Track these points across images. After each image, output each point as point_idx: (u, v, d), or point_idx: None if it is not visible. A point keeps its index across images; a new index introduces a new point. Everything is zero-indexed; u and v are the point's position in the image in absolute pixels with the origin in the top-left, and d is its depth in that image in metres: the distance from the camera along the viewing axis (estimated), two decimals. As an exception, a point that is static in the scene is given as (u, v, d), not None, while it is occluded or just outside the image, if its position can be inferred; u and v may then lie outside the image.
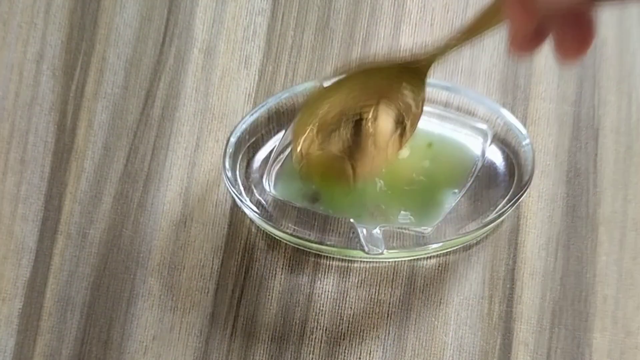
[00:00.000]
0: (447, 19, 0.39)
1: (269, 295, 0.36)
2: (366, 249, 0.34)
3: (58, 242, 0.36)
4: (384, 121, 0.32)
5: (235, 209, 0.37)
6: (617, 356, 0.36)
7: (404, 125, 0.32)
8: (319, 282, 0.36)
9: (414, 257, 0.36)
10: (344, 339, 0.36)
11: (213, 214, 0.37)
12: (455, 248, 0.36)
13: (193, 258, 0.36)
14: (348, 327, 0.36)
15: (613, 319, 0.36)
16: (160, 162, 0.37)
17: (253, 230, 0.36)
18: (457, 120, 0.36)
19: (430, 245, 0.34)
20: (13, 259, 0.36)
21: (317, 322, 0.36)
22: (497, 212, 0.34)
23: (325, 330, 0.36)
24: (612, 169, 0.37)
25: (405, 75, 0.31)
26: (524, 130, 0.35)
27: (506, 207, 0.34)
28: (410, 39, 0.38)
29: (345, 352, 0.36)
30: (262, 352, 0.35)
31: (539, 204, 0.37)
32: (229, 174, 0.34)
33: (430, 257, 0.36)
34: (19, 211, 0.37)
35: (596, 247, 0.37)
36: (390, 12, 0.39)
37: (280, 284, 0.36)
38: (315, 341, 0.36)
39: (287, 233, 0.35)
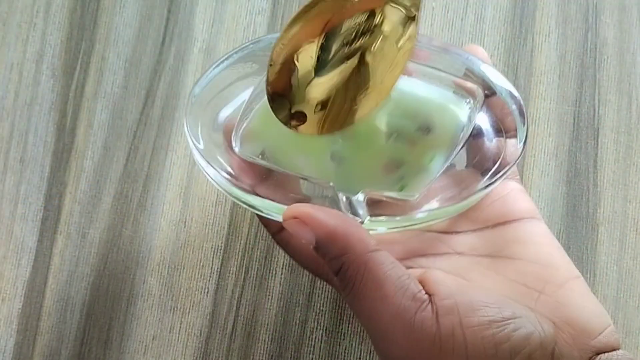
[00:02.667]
0: (447, 18, 0.39)
1: (269, 295, 0.36)
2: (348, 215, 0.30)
3: (58, 242, 0.36)
4: (389, 30, 0.29)
5: (235, 209, 0.37)
6: (617, 356, 0.36)
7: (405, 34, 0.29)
8: (319, 282, 0.36)
9: (400, 228, 0.32)
10: (344, 339, 0.36)
11: (213, 214, 0.37)
12: (445, 219, 0.32)
13: (193, 258, 0.36)
14: (348, 327, 0.36)
15: (613, 319, 0.36)
16: (160, 162, 0.37)
17: (253, 230, 0.36)
18: (443, 80, 0.32)
19: (416, 214, 0.31)
20: (13, 258, 0.36)
21: (317, 322, 0.36)
22: (486, 182, 0.31)
23: (325, 330, 0.36)
24: (612, 169, 0.37)
25: None
26: (515, 93, 0.32)
27: (496, 176, 0.31)
28: (410, 39, 0.38)
29: (345, 352, 0.36)
30: (262, 352, 0.35)
31: (539, 204, 0.37)
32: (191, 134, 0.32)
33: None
34: (19, 211, 0.37)
35: (596, 247, 0.37)
36: (390, 12, 0.39)
37: (280, 284, 0.36)
38: (315, 341, 0.36)
39: (252, 193, 0.31)
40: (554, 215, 0.37)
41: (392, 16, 0.30)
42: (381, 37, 0.30)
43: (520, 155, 0.31)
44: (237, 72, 0.33)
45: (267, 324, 0.36)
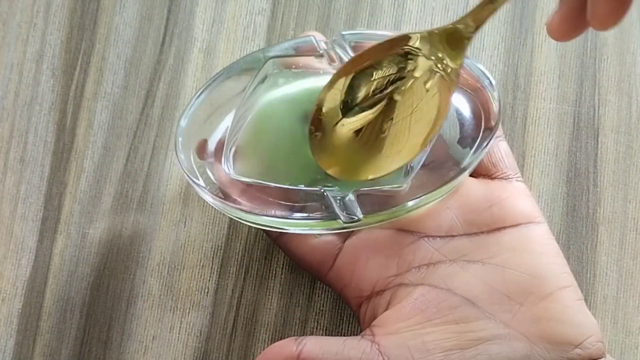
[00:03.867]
0: (447, 18, 0.39)
1: (269, 295, 0.36)
2: (342, 218, 0.31)
3: (58, 242, 0.36)
4: (419, 90, 0.31)
5: (235, 209, 0.37)
6: (617, 356, 0.36)
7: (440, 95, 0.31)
8: (319, 282, 0.36)
9: (395, 218, 0.32)
10: (344, 339, 0.36)
11: (213, 214, 0.37)
12: (436, 200, 0.32)
13: (193, 258, 0.36)
14: (348, 327, 0.36)
15: (613, 319, 0.36)
16: (160, 162, 0.37)
17: (253, 230, 0.36)
18: None
19: (408, 203, 0.32)
20: (13, 258, 0.36)
21: (317, 322, 0.36)
22: (471, 156, 0.32)
23: (325, 330, 0.36)
24: (612, 169, 0.37)
25: (440, 44, 0.30)
26: (486, 72, 0.33)
27: (480, 148, 0.32)
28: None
29: (345, 352, 0.36)
30: (262, 352, 0.35)
31: (539, 204, 0.37)
32: (182, 157, 0.33)
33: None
34: (19, 211, 0.37)
35: (596, 247, 0.37)
36: (390, 12, 0.39)
37: (280, 284, 0.36)
38: (315, 341, 0.36)
39: (249, 212, 0.32)
40: (554, 215, 0.37)
41: (424, 66, 0.31)
42: (412, 81, 0.31)
43: (498, 122, 0.32)
44: (220, 96, 0.34)
45: (267, 324, 0.36)
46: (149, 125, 0.37)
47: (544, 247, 0.31)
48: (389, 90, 0.31)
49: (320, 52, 0.33)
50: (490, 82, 0.33)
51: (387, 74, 0.31)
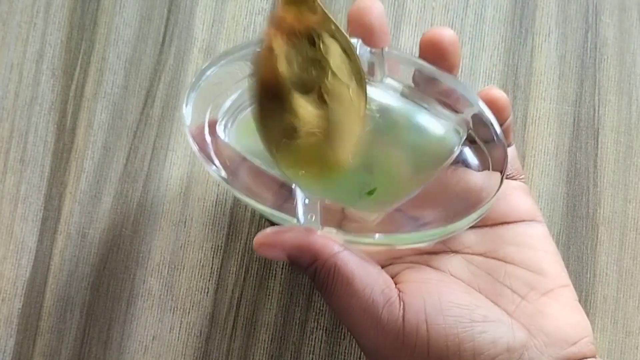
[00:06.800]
0: (447, 19, 0.39)
1: (269, 295, 0.36)
2: (300, 218, 0.30)
3: (58, 242, 0.36)
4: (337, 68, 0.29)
5: (235, 209, 0.37)
6: (617, 356, 0.36)
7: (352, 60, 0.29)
8: (319, 282, 0.36)
9: (358, 244, 0.31)
10: (344, 339, 0.36)
11: (213, 214, 0.37)
12: (406, 246, 0.31)
13: (193, 258, 0.36)
14: (348, 327, 0.36)
15: (613, 319, 0.36)
16: (160, 162, 0.37)
17: (253, 230, 0.36)
18: (433, 106, 0.31)
19: (374, 236, 0.30)
20: (13, 258, 0.36)
21: (317, 322, 0.36)
22: (460, 221, 0.30)
23: (325, 330, 0.36)
24: (612, 169, 0.37)
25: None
26: (498, 129, 0.31)
27: (470, 215, 0.30)
28: (410, 39, 0.38)
29: (345, 352, 0.36)
30: (262, 352, 0.35)
31: (539, 204, 0.37)
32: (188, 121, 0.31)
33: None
34: (19, 211, 0.37)
35: (596, 247, 0.37)
36: (390, 12, 0.39)
37: (280, 284, 0.36)
38: (315, 341, 0.36)
39: (232, 185, 0.31)
40: (554, 215, 0.37)
41: (335, 54, 0.29)
42: (330, 72, 0.29)
43: (495, 195, 0.30)
44: (233, 72, 0.32)
45: (267, 324, 0.36)
46: (149, 125, 0.37)
47: (546, 245, 0.31)
48: (314, 75, 0.29)
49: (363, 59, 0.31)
50: (502, 143, 0.30)
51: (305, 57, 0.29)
